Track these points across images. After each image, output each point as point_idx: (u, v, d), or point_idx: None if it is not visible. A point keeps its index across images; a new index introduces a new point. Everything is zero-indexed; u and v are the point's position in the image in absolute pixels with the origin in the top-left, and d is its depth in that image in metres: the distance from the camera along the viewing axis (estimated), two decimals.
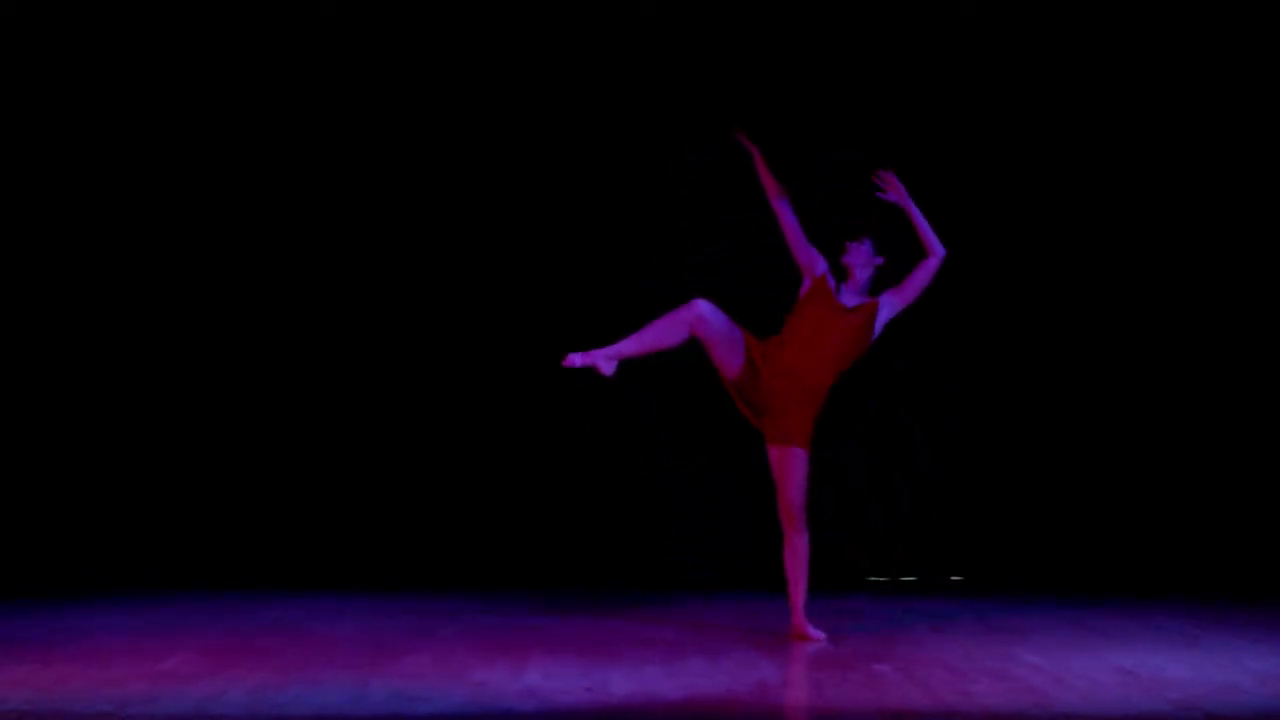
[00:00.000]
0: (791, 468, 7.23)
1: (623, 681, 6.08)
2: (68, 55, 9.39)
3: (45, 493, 9.41)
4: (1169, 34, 9.44)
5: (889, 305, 7.30)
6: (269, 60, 9.48)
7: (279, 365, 9.55)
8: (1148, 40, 9.46)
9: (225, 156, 9.53)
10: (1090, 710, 5.59)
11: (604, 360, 7.10)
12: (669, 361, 7.44)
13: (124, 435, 9.47)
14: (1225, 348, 9.55)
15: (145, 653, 6.67)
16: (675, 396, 9.42)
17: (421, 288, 9.57)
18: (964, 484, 9.57)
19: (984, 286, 9.44)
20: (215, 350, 9.53)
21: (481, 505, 9.54)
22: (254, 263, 9.55)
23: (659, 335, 7.14)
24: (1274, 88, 9.46)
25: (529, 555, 9.51)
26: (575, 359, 7.09)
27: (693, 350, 7.27)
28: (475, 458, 9.55)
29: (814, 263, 7.33)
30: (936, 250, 7.30)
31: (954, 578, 9.52)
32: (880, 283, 7.34)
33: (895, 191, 7.32)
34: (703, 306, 7.15)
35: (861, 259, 7.30)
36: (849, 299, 7.31)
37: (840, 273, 7.35)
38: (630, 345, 7.15)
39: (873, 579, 9.47)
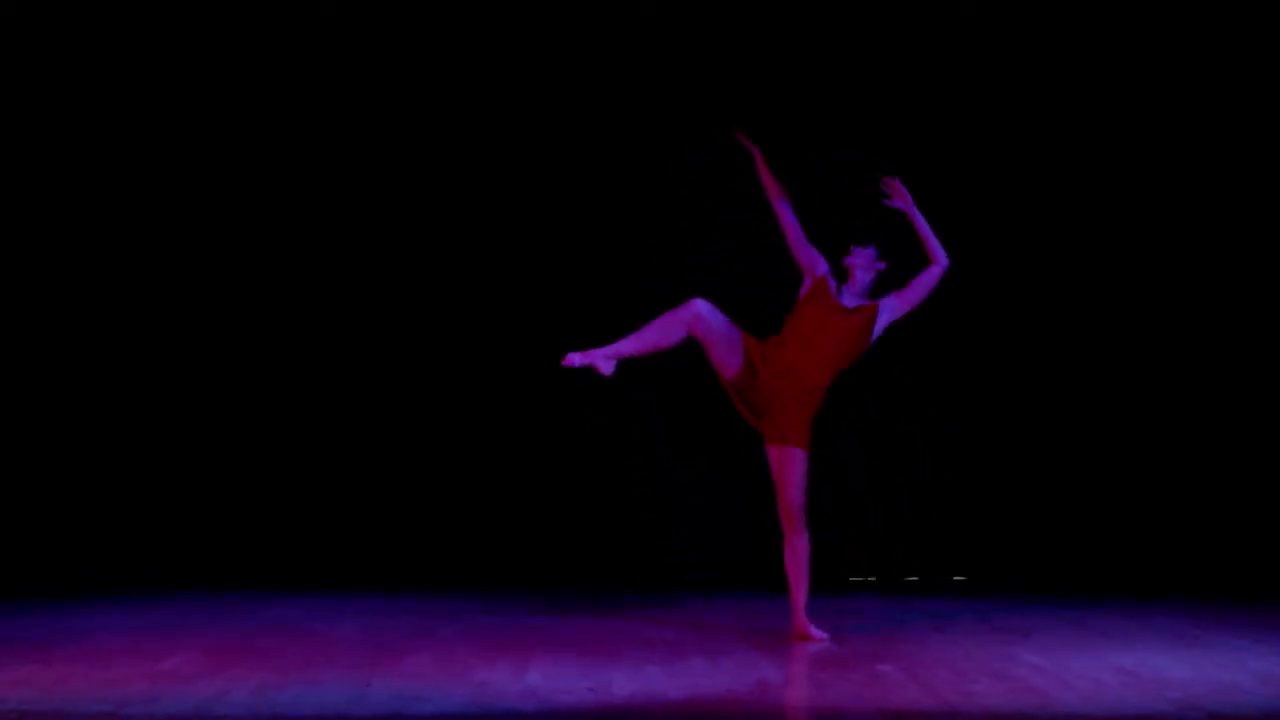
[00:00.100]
0: (790, 468, 7.23)
1: (624, 682, 6.08)
2: (68, 55, 9.38)
3: (45, 493, 9.41)
4: (1169, 35, 9.44)
5: (889, 310, 7.30)
6: (269, 60, 9.48)
7: (279, 365, 9.55)
8: (1148, 41, 9.46)
9: (225, 157, 9.52)
10: (1091, 710, 5.59)
11: (603, 360, 7.10)
12: (669, 361, 7.45)
13: (124, 436, 9.47)
14: (1224, 349, 9.56)
15: (145, 653, 6.66)
16: (675, 396, 9.42)
17: (422, 288, 9.56)
18: (965, 485, 9.57)
19: (983, 290, 9.43)
20: (216, 351, 9.53)
21: (481, 505, 9.54)
22: (254, 264, 9.55)
23: (657, 335, 7.15)
24: (1274, 88, 9.46)
25: (529, 555, 9.51)
26: (574, 359, 7.10)
27: (692, 350, 7.27)
28: (475, 458, 9.55)
29: (814, 263, 7.33)
30: (940, 260, 7.30)
31: (956, 578, 9.52)
32: (882, 287, 7.34)
33: (901, 199, 7.33)
34: (701, 306, 7.15)
35: (864, 262, 7.30)
36: (849, 300, 7.31)
37: (841, 274, 7.35)
38: (629, 345, 7.15)
39: (856, 579, 9.46)
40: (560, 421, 9.50)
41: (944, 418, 9.58)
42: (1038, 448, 9.60)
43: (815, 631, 7.26)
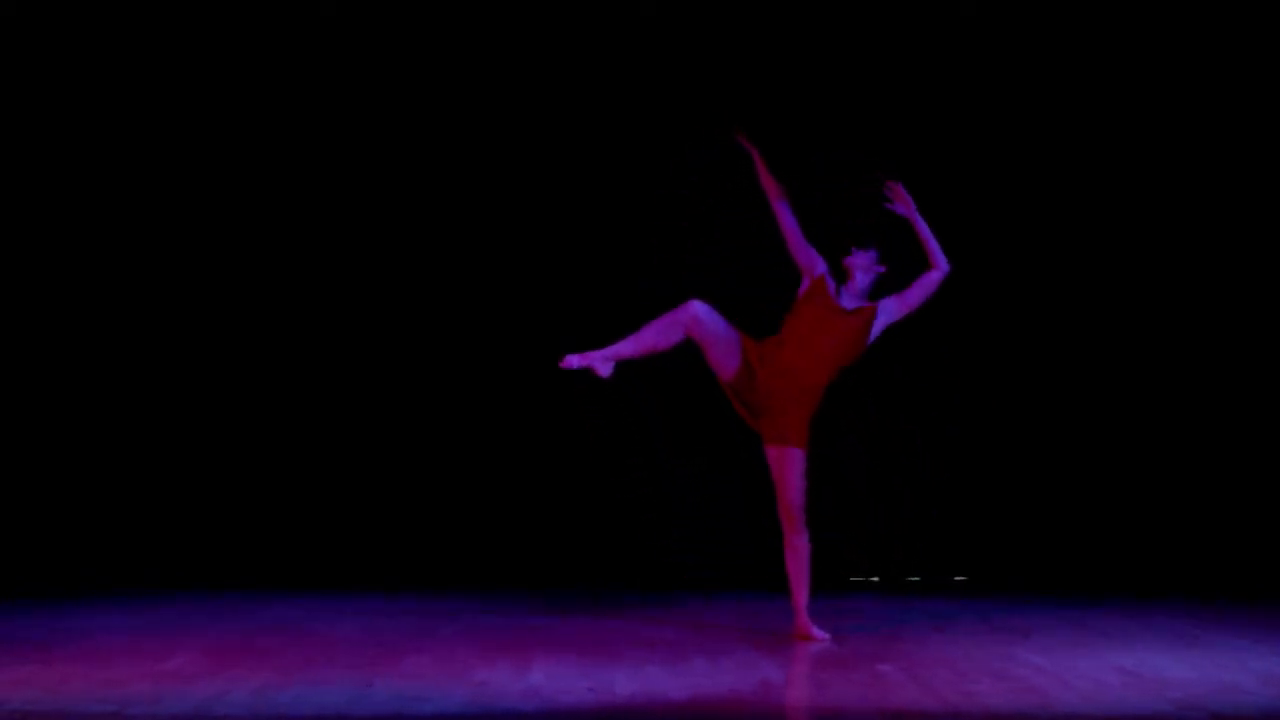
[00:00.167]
0: (789, 468, 7.23)
1: (625, 682, 6.08)
2: (68, 55, 9.38)
3: (45, 493, 9.40)
4: (1170, 36, 9.44)
5: (887, 311, 7.31)
6: (269, 60, 9.47)
7: (279, 366, 9.55)
8: (1148, 42, 9.46)
9: (224, 157, 9.52)
10: (1092, 710, 5.59)
11: (601, 362, 7.11)
12: (668, 362, 7.45)
13: (124, 436, 9.47)
14: (1224, 349, 9.55)
15: (146, 653, 6.66)
16: (675, 397, 9.41)
17: (421, 289, 9.56)
18: (965, 485, 9.57)
19: (983, 291, 9.42)
20: (216, 351, 9.52)
21: (481, 505, 9.54)
22: (255, 264, 9.54)
23: (655, 337, 7.16)
24: (1274, 88, 9.46)
25: (529, 555, 9.51)
26: (572, 360, 7.10)
27: (691, 351, 7.27)
28: (475, 458, 9.54)
29: (813, 263, 7.33)
30: (941, 265, 7.30)
31: (956, 578, 9.52)
32: (881, 289, 7.34)
33: (903, 204, 7.33)
34: (698, 308, 7.15)
35: (864, 263, 7.30)
36: (848, 301, 7.31)
37: (840, 274, 7.35)
38: (627, 347, 7.16)
39: (856, 579, 9.46)
40: (560, 422, 9.50)
41: (944, 418, 9.58)
42: (1037, 448, 9.60)
43: (817, 632, 7.27)
